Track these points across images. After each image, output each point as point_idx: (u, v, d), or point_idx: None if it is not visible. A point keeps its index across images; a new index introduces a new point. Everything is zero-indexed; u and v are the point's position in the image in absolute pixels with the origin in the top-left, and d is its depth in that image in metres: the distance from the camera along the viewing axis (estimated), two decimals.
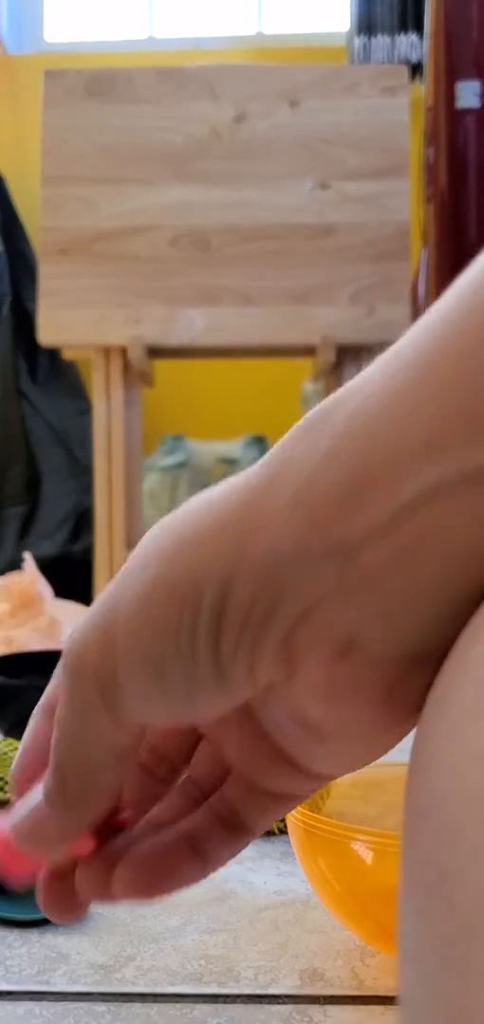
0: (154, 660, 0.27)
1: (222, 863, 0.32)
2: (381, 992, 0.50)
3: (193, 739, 0.34)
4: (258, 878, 0.65)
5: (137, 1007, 0.49)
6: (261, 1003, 0.49)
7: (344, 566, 0.25)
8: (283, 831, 0.73)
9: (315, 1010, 0.48)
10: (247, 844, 0.33)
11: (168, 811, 0.33)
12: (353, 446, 0.25)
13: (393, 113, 2.00)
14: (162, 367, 2.44)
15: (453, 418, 0.24)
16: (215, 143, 2.00)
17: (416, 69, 2.73)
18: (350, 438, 0.25)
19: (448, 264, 1.64)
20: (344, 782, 0.59)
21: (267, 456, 0.27)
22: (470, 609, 0.24)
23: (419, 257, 1.80)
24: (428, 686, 0.25)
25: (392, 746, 0.28)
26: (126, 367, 2.04)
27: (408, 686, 0.26)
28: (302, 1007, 0.49)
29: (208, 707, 0.28)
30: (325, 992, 0.50)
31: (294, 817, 0.52)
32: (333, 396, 0.26)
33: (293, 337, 1.99)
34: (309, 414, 0.27)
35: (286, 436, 0.27)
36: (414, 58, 2.67)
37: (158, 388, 2.46)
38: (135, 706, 0.28)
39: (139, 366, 2.03)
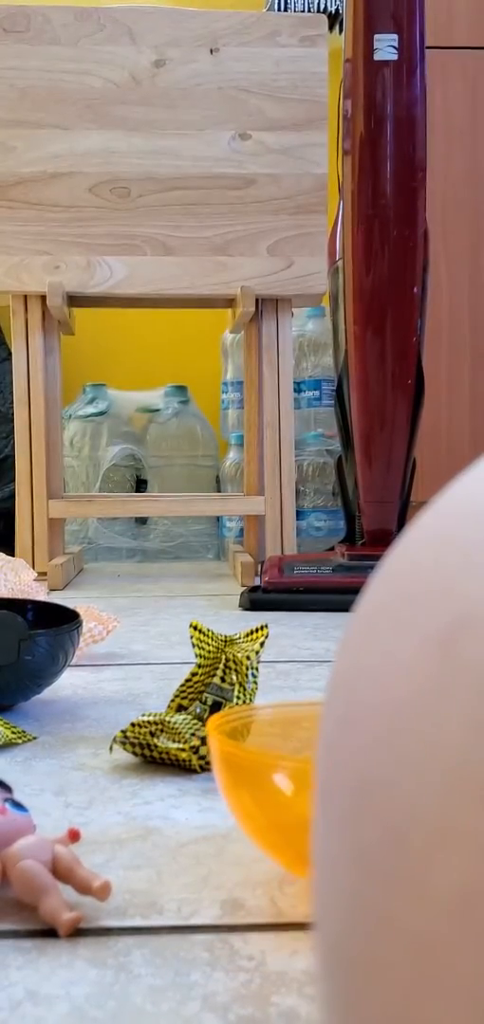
0: None
1: None
2: (299, 919, 0.52)
3: None
4: (180, 814, 0.67)
5: (63, 942, 0.50)
6: (184, 933, 0.51)
7: None
8: (205, 768, 0.75)
9: (236, 938, 0.50)
10: None
11: None
12: None
13: (312, 63, 2.00)
14: (83, 316, 2.41)
15: None
16: (134, 88, 1.98)
17: (334, 19, 2.72)
18: None
19: (364, 218, 1.65)
20: (262, 720, 0.61)
21: None
22: None
23: (336, 210, 1.81)
24: None
25: None
26: (45, 315, 2.01)
27: None
28: (223, 936, 0.50)
29: None
30: (245, 921, 0.52)
31: (219, 750, 0.54)
32: None
33: (212, 288, 1.99)
34: None
35: None
36: (332, 7, 2.67)
37: (79, 337, 2.44)
38: None
39: (58, 314, 2.01)
